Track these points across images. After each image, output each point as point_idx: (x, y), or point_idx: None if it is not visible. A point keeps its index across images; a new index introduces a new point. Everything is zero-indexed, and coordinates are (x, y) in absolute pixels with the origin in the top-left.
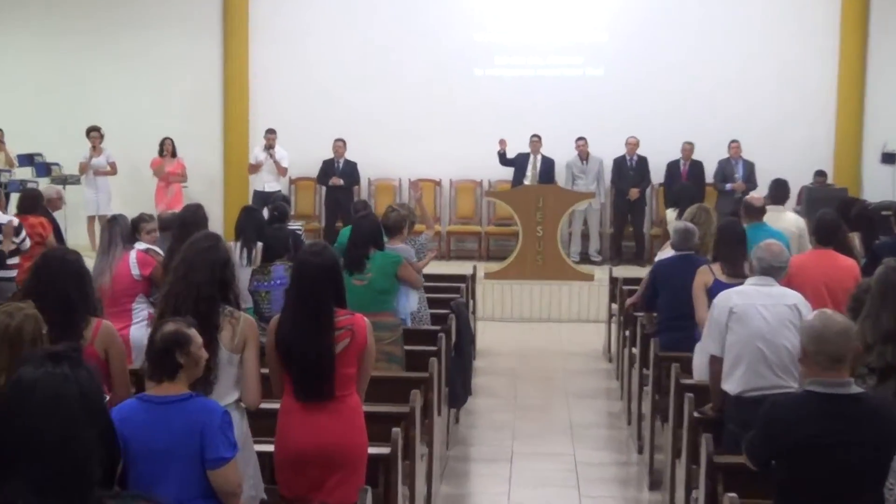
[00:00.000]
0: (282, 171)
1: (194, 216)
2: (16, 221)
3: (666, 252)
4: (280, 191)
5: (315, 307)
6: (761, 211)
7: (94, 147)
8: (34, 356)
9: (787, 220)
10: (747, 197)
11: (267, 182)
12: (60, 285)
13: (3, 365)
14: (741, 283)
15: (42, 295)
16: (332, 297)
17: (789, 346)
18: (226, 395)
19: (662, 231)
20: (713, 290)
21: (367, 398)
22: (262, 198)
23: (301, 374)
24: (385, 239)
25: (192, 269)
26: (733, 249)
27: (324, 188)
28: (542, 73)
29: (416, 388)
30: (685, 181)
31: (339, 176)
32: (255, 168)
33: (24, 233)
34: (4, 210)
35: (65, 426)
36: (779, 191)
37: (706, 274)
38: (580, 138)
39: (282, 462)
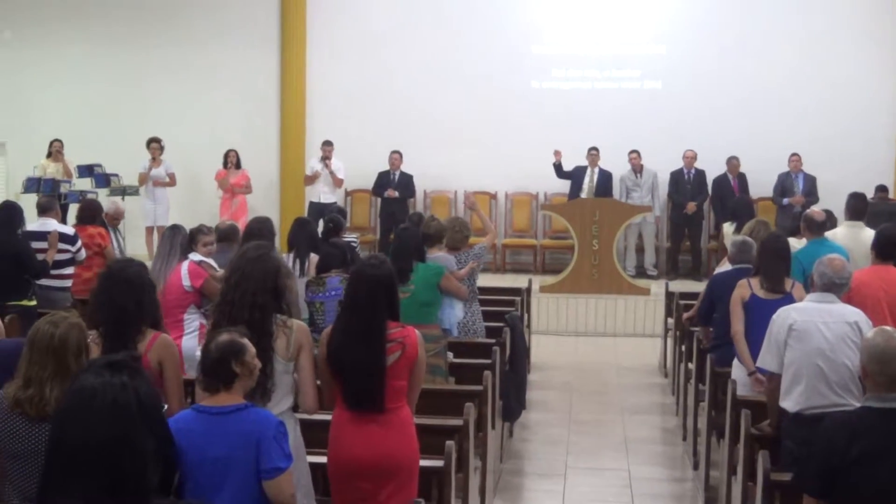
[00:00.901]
0: (338, 182)
1: (261, 228)
2: (71, 231)
3: (724, 267)
4: (336, 202)
5: (368, 319)
6: (822, 226)
7: (153, 158)
8: (94, 365)
9: (867, 236)
10: (808, 211)
11: (323, 193)
12: (115, 296)
13: (49, 374)
14: (779, 299)
15: (99, 305)
16: (386, 310)
17: (849, 364)
18: (280, 402)
19: (720, 245)
20: (749, 305)
21: (420, 410)
22: (318, 209)
23: (352, 386)
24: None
25: (244, 278)
26: (774, 264)
27: (379, 200)
28: (599, 86)
29: (470, 402)
30: (739, 195)
31: (394, 188)
32: (311, 179)
33: (79, 243)
34: (62, 220)
35: (122, 435)
36: (858, 205)
37: (744, 288)
38: (633, 151)
39: (334, 473)
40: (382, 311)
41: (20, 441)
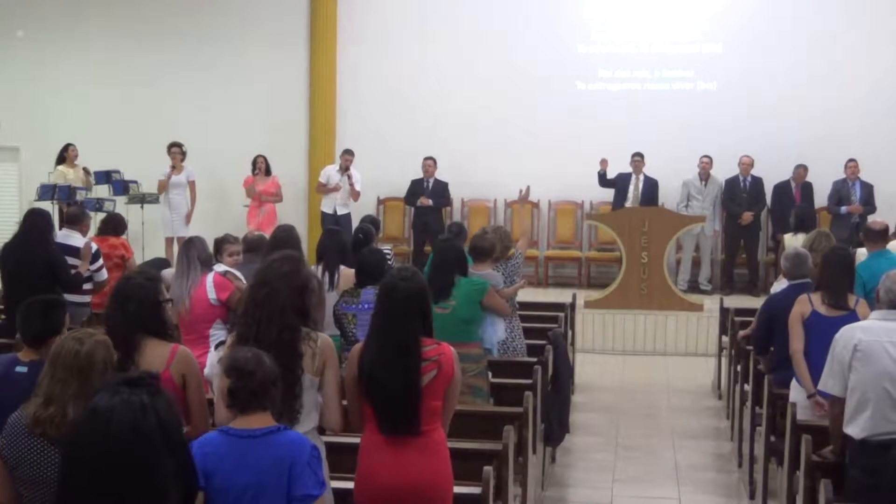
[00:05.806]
0: (355, 195)
1: (287, 237)
2: (94, 246)
3: (781, 284)
4: (349, 213)
5: (402, 336)
6: (883, 236)
7: (174, 164)
8: (109, 383)
9: None
10: (869, 221)
11: (339, 205)
12: (127, 309)
13: (73, 392)
14: (843, 316)
15: (108, 318)
16: (420, 326)
17: None
18: (305, 421)
19: (778, 258)
20: (810, 323)
21: (456, 433)
22: (332, 221)
23: (385, 408)
24: (471, 262)
25: (273, 294)
26: (838, 279)
27: (412, 209)
28: (649, 87)
29: (509, 424)
30: (800, 203)
31: (428, 196)
32: (325, 188)
33: (100, 260)
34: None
35: (142, 457)
36: None
37: (804, 304)
38: (705, 156)
39: (364, 501)
40: (416, 326)
41: (38, 466)
